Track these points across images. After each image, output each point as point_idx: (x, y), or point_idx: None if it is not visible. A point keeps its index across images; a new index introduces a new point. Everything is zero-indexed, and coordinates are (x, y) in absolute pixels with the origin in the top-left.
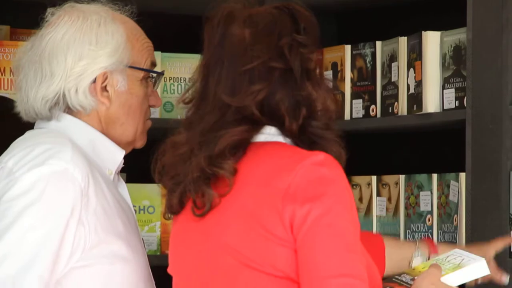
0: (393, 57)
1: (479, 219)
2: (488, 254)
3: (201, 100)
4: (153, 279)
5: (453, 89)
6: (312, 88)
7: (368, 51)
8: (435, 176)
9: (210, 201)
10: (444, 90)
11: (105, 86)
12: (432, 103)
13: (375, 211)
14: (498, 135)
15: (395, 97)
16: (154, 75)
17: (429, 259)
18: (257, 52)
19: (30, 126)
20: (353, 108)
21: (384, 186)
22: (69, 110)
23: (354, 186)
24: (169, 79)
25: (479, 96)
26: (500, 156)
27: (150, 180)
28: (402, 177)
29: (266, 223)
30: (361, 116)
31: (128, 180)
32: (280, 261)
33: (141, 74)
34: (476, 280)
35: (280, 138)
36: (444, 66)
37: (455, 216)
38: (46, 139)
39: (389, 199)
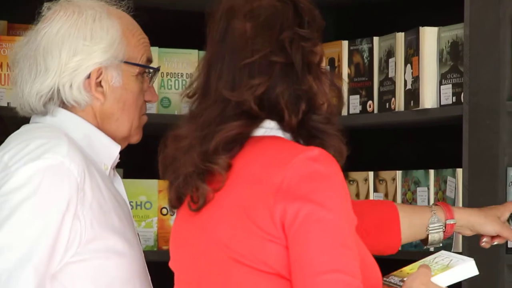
0: (390, 53)
1: None
2: (503, 216)
3: (203, 95)
4: (148, 274)
5: (450, 85)
6: (313, 82)
7: (365, 46)
8: (432, 172)
9: (204, 196)
10: (441, 86)
11: (100, 82)
12: (429, 99)
13: None
14: (495, 131)
15: (392, 93)
16: (151, 70)
17: (445, 226)
18: (257, 45)
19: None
20: (350, 104)
21: (381, 182)
22: (64, 105)
23: (351, 182)
24: (166, 75)
25: (476, 92)
26: (497, 152)
27: (147, 176)
28: (399, 173)
29: (257, 219)
30: (358, 112)
31: (125, 176)
32: (271, 258)
33: (137, 69)
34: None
35: (279, 133)
36: (441, 61)
37: None
38: (42, 134)
39: (386, 195)
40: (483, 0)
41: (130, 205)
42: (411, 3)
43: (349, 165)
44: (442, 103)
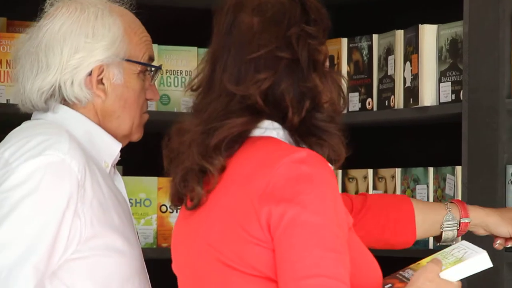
0: (389, 50)
1: None
2: None
3: (208, 88)
4: (147, 271)
5: (450, 82)
6: (319, 80)
7: (364, 44)
8: (431, 169)
9: (199, 197)
10: (441, 84)
11: (101, 79)
12: (428, 96)
13: None
14: (494, 128)
15: (392, 90)
16: (152, 69)
17: (459, 224)
18: (264, 40)
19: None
20: (349, 102)
21: (380, 179)
22: (65, 102)
23: (351, 180)
24: (166, 72)
25: (476, 89)
26: (497, 149)
27: (147, 173)
28: (398, 171)
29: (245, 223)
30: (357, 109)
31: (124, 173)
32: (260, 262)
33: (138, 67)
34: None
35: (273, 133)
36: (440, 59)
37: None
38: (43, 130)
39: (385, 193)
40: None
41: (130, 202)
42: (410, 1)
43: (348, 163)
44: (441, 101)
